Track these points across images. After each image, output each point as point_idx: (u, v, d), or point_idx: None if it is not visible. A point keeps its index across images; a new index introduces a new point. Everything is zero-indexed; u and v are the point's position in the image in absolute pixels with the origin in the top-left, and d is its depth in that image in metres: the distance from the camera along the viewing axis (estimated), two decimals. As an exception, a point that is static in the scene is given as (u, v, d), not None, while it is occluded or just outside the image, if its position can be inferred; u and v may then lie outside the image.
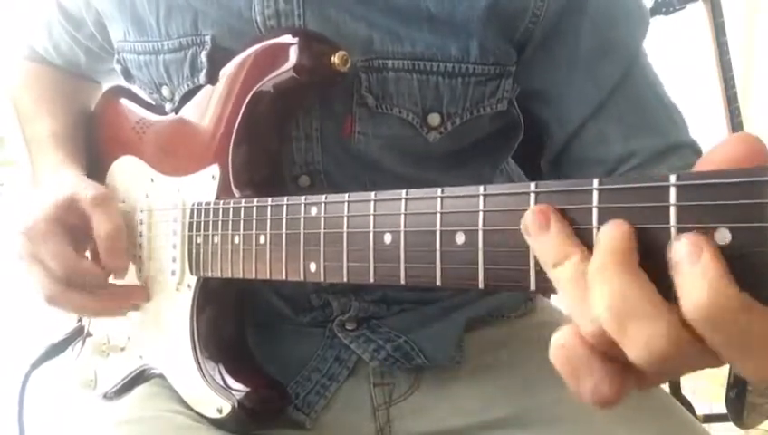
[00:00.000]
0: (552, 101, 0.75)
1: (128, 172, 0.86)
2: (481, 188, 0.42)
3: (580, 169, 0.77)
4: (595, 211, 0.36)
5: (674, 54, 2.02)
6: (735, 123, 1.60)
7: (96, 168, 0.91)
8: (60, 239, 0.74)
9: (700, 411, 1.75)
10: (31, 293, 0.78)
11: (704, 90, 1.77)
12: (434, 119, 0.73)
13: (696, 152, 0.77)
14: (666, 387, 1.66)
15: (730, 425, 1.71)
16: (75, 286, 0.76)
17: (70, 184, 0.79)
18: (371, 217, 0.49)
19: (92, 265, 0.77)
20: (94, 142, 0.94)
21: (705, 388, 2.07)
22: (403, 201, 0.47)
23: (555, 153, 0.78)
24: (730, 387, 1.65)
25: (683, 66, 2.04)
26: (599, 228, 0.36)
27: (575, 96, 0.74)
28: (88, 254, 0.81)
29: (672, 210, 0.33)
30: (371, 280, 0.50)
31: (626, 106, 0.74)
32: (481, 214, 0.42)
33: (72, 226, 0.76)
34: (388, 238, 0.48)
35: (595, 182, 0.36)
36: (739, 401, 1.63)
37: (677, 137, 0.75)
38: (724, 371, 1.69)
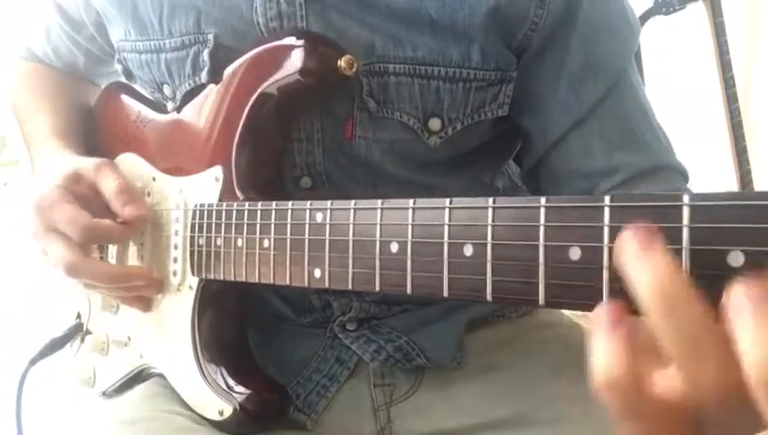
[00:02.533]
0: (535, 111, 0.75)
1: (129, 169, 0.86)
2: (490, 200, 0.42)
3: (558, 181, 0.76)
4: (606, 229, 0.36)
5: (674, 54, 2.02)
6: (735, 123, 1.60)
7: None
8: (72, 204, 0.74)
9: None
10: (49, 269, 0.76)
11: (704, 90, 1.77)
12: (435, 123, 0.73)
13: (684, 177, 0.77)
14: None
15: (729, 425, 1.72)
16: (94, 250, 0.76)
17: (72, 160, 0.80)
18: (378, 225, 0.49)
19: (109, 222, 0.75)
20: (95, 138, 0.94)
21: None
22: (410, 211, 0.47)
23: (532, 164, 0.78)
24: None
25: (683, 66, 2.04)
26: (610, 247, 0.36)
27: (558, 108, 0.74)
28: None
29: (685, 231, 0.33)
30: (377, 289, 0.50)
31: (610, 121, 0.73)
32: (490, 227, 0.42)
33: (82, 196, 0.76)
34: (394, 247, 0.48)
35: (606, 199, 0.36)
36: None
37: (664, 158, 0.75)
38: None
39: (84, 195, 0.76)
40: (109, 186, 0.75)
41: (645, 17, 1.62)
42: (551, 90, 0.74)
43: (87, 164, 0.77)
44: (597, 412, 0.69)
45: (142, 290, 0.79)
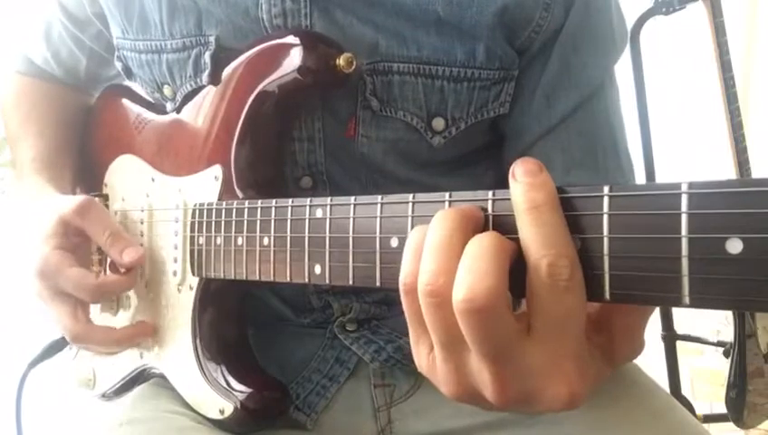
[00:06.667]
0: (513, 114, 0.75)
1: (127, 171, 0.86)
2: (489, 193, 0.42)
3: None
4: (605, 217, 0.36)
5: (674, 54, 2.02)
6: (735, 123, 1.59)
7: (95, 166, 0.91)
8: (75, 266, 0.75)
9: (700, 411, 1.75)
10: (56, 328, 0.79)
11: (704, 89, 1.77)
12: (438, 123, 0.73)
13: None
14: (666, 387, 1.66)
15: (730, 425, 1.71)
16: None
17: (51, 208, 0.78)
18: (378, 220, 0.49)
19: (115, 277, 0.78)
20: (93, 141, 0.94)
21: (705, 388, 2.07)
22: (410, 205, 0.47)
23: (507, 165, 0.79)
24: (730, 387, 1.65)
25: (683, 66, 2.05)
26: (609, 237, 0.36)
27: (531, 116, 0.74)
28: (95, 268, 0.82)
29: (683, 218, 0.33)
30: (378, 284, 0.49)
31: (575, 136, 0.74)
32: (489, 218, 0.42)
33: (74, 245, 0.77)
34: (394, 242, 0.48)
35: (606, 189, 0.36)
36: (739, 401, 1.63)
37: (618, 180, 0.75)
38: (724, 371, 1.69)
39: (75, 244, 0.77)
40: (100, 236, 0.76)
41: (645, 17, 1.62)
42: (528, 96, 0.74)
43: (67, 207, 0.76)
44: (597, 412, 0.69)
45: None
